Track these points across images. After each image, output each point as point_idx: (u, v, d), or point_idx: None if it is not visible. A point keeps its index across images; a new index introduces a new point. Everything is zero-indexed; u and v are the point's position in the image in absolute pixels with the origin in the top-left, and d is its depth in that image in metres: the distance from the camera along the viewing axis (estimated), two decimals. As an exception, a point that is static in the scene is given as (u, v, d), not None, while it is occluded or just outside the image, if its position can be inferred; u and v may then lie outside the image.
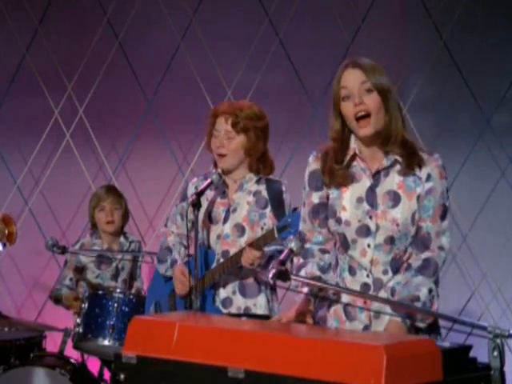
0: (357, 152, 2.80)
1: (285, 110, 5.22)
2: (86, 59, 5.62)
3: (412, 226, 2.76)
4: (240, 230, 3.61)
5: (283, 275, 2.60)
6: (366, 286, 2.79)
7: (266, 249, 3.51)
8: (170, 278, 3.75)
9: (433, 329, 2.78)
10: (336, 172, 2.80)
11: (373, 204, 2.78)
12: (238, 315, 3.55)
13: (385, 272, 2.78)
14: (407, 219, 2.76)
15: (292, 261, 2.89)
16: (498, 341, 2.33)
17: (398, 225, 2.75)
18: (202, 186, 3.60)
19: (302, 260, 2.86)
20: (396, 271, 2.78)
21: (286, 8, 5.23)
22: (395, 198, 2.76)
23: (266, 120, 3.68)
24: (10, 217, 4.18)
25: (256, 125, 3.63)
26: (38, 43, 5.74)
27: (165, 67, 5.48)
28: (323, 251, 2.89)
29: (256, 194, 3.65)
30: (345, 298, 2.82)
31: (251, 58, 5.30)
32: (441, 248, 2.77)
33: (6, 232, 4.10)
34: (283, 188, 3.64)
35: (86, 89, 5.61)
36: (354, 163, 2.82)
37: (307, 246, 2.89)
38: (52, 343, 4.69)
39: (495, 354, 2.33)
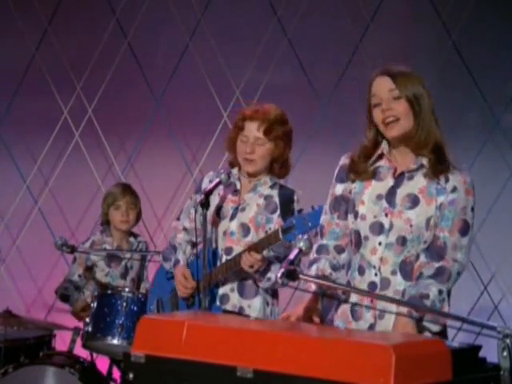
0: (384, 152, 2.84)
1: (293, 110, 5.17)
2: (95, 59, 5.63)
3: (426, 231, 2.77)
4: (245, 229, 3.60)
5: (291, 275, 2.61)
6: (373, 284, 2.79)
7: (266, 254, 3.48)
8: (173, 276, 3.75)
9: (440, 333, 2.76)
10: (360, 165, 2.85)
11: (391, 203, 2.79)
12: (233, 312, 3.53)
13: (393, 272, 2.78)
14: (422, 222, 2.76)
15: (300, 260, 2.89)
16: (508, 341, 2.33)
17: (411, 225, 2.76)
18: (210, 186, 3.60)
19: (315, 255, 2.88)
20: (405, 275, 2.77)
21: (294, 7, 5.23)
22: (414, 201, 2.78)
23: (290, 124, 3.67)
24: None
25: (285, 130, 3.63)
26: (47, 43, 5.75)
27: (173, 67, 5.48)
28: (339, 250, 2.90)
29: (267, 197, 3.63)
30: (353, 297, 2.83)
31: (260, 58, 5.30)
32: (455, 261, 2.76)
33: None
34: (295, 197, 3.60)
35: (95, 88, 5.62)
36: (381, 163, 2.85)
37: (323, 242, 2.90)
38: (61, 342, 4.70)
39: (505, 354, 2.33)
